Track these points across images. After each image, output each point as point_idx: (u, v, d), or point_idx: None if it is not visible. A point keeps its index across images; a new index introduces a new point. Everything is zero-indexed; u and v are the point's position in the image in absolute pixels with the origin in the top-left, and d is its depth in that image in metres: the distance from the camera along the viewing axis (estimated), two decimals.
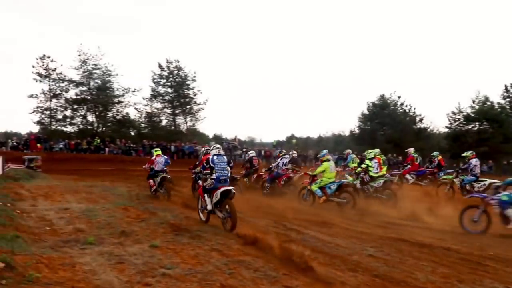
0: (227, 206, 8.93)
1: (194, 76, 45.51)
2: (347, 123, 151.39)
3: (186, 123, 46.39)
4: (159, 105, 45.59)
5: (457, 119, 42.22)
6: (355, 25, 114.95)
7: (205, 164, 9.73)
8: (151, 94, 44.97)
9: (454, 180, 15.99)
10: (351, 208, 12.64)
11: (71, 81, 41.07)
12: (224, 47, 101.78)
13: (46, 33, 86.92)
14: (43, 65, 39.93)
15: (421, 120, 45.83)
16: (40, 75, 39.87)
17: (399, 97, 46.59)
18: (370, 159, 14.85)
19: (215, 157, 9.55)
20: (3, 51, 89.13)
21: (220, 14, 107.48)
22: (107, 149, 34.55)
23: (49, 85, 40.44)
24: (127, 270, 5.89)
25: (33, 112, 40.25)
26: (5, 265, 5.21)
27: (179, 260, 6.44)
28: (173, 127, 45.53)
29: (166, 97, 45.39)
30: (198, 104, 45.98)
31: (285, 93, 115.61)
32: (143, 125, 45.23)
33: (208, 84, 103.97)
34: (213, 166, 9.42)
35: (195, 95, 45.66)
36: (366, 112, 47.65)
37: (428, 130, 46.37)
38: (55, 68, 40.28)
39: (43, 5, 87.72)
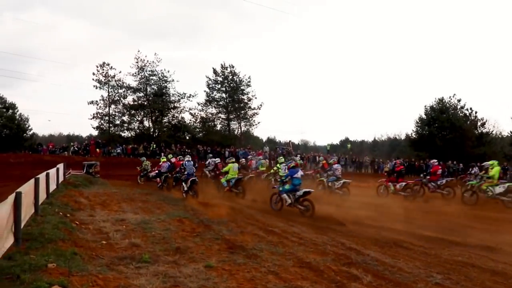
0: (194, 188, 17.12)
1: (249, 81, 45.80)
2: (403, 126, 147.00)
3: (241, 128, 46.61)
4: (214, 110, 46.14)
5: None
6: (414, 26, 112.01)
7: (181, 167, 18.98)
8: (205, 99, 45.60)
9: (324, 180, 21.02)
10: (241, 198, 17.55)
11: (128, 87, 42.46)
12: (280, 51, 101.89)
13: (106, 40, 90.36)
14: (103, 72, 41.47)
15: (483, 124, 43.71)
16: (100, 82, 41.42)
17: (458, 101, 44.72)
18: (281, 163, 20.14)
19: (186, 162, 18.42)
20: (71, 57, 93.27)
21: (273, 18, 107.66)
22: (162, 154, 35.17)
23: (108, 92, 41.92)
24: None
25: (93, 117, 41.89)
26: None
27: (235, 285, 6.19)
28: (227, 132, 45.86)
29: (221, 102, 45.84)
30: (253, 109, 46.18)
31: (340, 95, 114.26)
32: (197, 130, 45.85)
33: (263, 87, 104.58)
34: (185, 167, 17.97)
35: (249, 100, 45.90)
36: (424, 116, 45.99)
37: (491, 135, 44.14)
38: (114, 75, 41.72)
39: (103, 12, 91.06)
